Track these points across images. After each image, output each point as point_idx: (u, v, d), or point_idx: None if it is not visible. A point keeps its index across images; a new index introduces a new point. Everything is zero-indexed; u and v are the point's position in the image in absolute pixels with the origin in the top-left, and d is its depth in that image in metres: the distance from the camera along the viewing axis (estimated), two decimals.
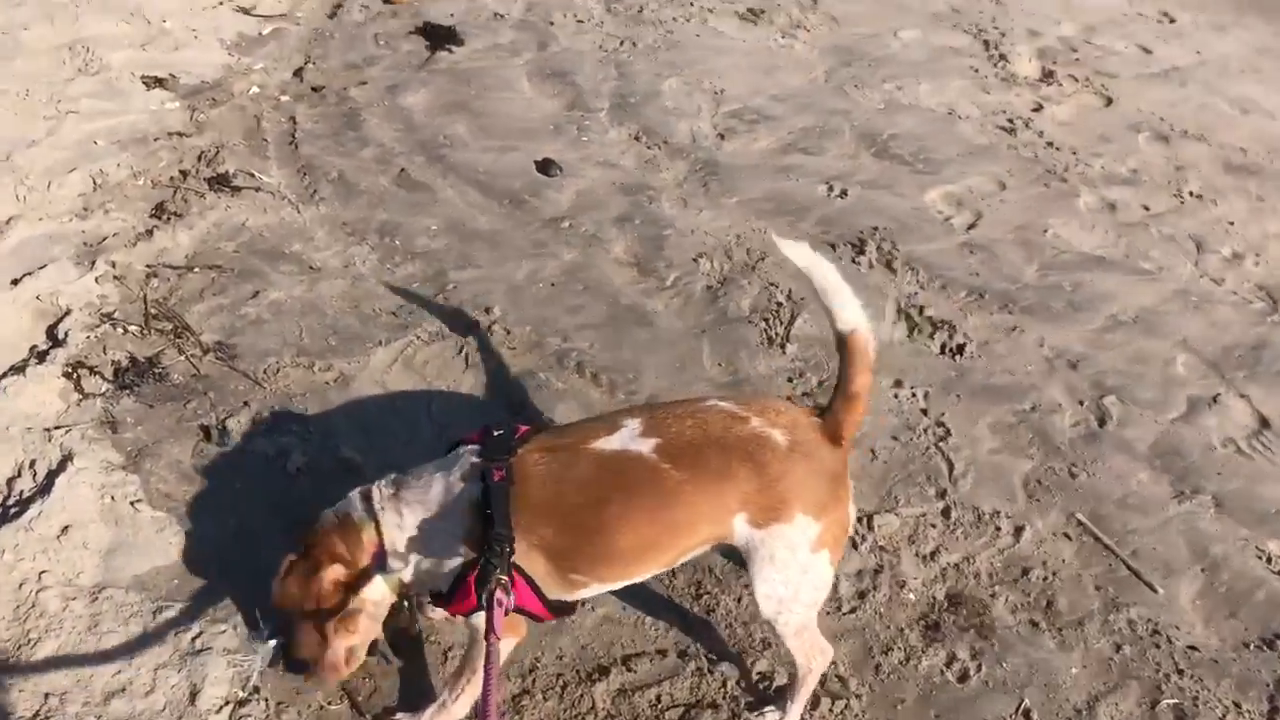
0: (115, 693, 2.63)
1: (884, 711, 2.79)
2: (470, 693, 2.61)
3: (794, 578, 2.50)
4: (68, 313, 3.69)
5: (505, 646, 2.60)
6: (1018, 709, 2.84)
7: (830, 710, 2.75)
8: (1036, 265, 4.62)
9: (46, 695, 2.59)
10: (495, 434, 2.54)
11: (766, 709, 2.76)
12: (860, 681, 2.86)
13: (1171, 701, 2.89)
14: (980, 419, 3.74)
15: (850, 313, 2.49)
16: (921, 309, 4.25)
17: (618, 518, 2.43)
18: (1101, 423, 3.80)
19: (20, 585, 2.82)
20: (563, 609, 2.58)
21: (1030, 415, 3.80)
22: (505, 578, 2.31)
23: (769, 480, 2.44)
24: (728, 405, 2.53)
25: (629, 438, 2.46)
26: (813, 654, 2.64)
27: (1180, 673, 2.97)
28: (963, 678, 2.91)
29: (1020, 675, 2.92)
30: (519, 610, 2.47)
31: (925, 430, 3.67)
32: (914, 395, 3.82)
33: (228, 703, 2.64)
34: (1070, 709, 2.85)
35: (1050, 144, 5.57)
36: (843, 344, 2.50)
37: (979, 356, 4.04)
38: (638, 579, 2.60)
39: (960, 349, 4.07)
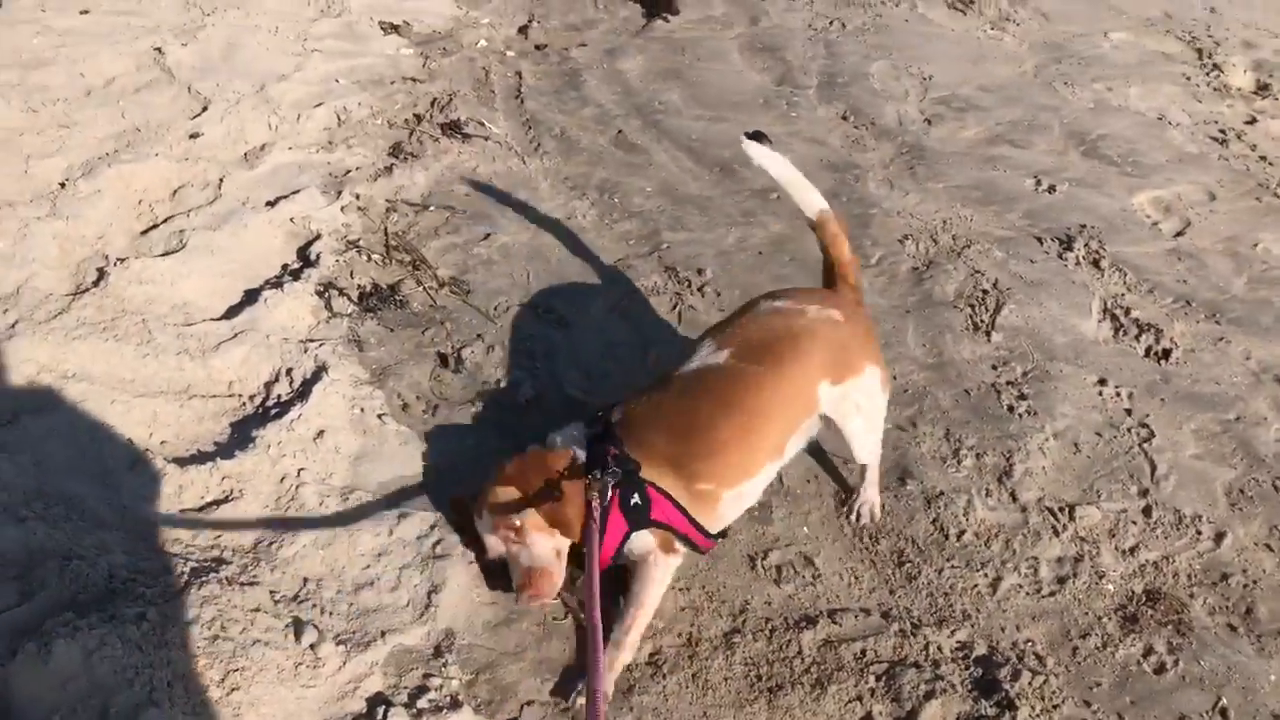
0: (364, 585, 2.88)
1: (1080, 691, 2.86)
2: (640, 624, 2.80)
3: (875, 417, 3.13)
4: (318, 237, 3.99)
5: (665, 570, 2.87)
6: (1214, 707, 2.87)
7: (1029, 684, 2.83)
8: (1245, 278, 4.56)
9: (305, 579, 2.85)
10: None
11: (854, 500, 3.27)
12: (1058, 660, 2.94)
13: None
14: (1184, 424, 3.75)
15: (815, 198, 3.21)
16: (1128, 310, 4.25)
17: (713, 414, 2.82)
18: None
19: (282, 479, 3.09)
20: (708, 533, 2.87)
21: (1234, 425, 3.78)
22: (607, 479, 2.69)
23: (837, 348, 2.96)
24: (782, 303, 3.04)
25: (706, 356, 2.93)
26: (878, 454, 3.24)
27: None
28: (1159, 670, 2.95)
29: (1218, 675, 2.95)
30: (664, 528, 2.79)
31: (1128, 430, 3.69)
32: (1118, 395, 3.83)
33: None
34: (1268, 714, 2.87)
35: (1263, 158, 5.46)
36: (817, 227, 3.22)
37: (1184, 363, 4.03)
38: (760, 478, 2.94)
39: (1166, 354, 4.06)
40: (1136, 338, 4.13)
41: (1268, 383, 3.99)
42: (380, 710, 2.55)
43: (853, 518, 3.27)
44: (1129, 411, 3.78)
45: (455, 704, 2.60)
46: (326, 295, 3.74)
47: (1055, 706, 2.79)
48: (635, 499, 2.76)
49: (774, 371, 2.88)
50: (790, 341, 2.93)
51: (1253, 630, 3.09)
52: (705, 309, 3.96)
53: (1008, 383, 3.81)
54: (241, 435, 3.19)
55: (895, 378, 3.76)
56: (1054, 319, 4.14)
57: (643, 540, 2.82)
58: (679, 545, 2.87)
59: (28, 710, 2.30)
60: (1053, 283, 4.33)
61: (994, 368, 3.88)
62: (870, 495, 3.29)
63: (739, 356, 2.90)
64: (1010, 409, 3.71)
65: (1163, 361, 4.03)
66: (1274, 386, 3.97)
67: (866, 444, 3.15)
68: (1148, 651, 2.99)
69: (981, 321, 4.08)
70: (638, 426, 2.85)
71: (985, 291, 4.22)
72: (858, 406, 3.04)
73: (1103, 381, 3.89)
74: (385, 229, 4.08)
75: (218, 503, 2.99)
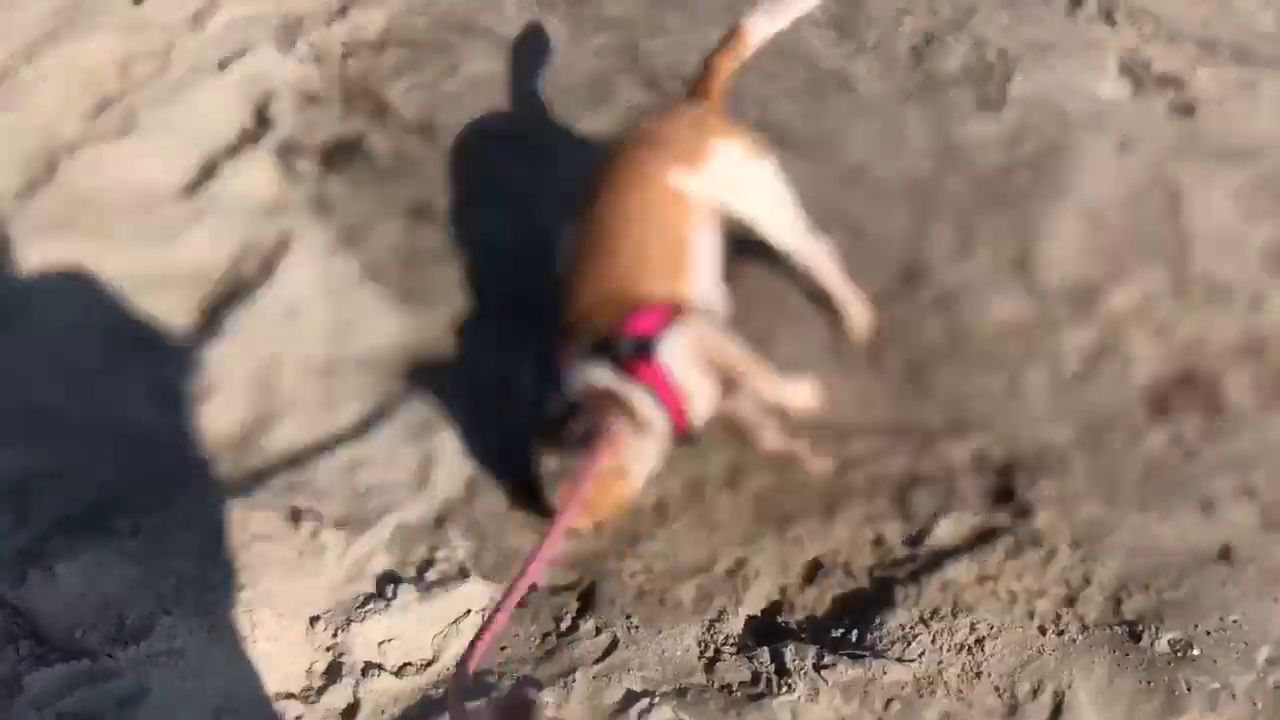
0: (359, 464, 2.80)
1: (1103, 487, 2.75)
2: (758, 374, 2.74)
3: (766, 184, 2.95)
4: (274, 95, 3.74)
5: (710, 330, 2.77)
6: (1242, 487, 2.74)
7: (1049, 487, 2.72)
8: (1274, 12, 4.16)
9: (296, 465, 2.78)
10: None
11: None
12: (1080, 459, 2.81)
13: None
14: (1214, 184, 3.47)
15: None
16: (1147, 64, 3.91)
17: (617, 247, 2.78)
18: None
19: (260, 364, 2.98)
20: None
21: (1271, 179, 3.51)
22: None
23: (667, 140, 2.86)
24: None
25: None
26: (818, 244, 3.04)
27: None
28: (1187, 456, 2.82)
29: (1248, 455, 2.80)
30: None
31: (1154, 198, 3.44)
32: (1141, 160, 3.56)
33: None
34: None
35: None
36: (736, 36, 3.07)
37: (1212, 117, 3.72)
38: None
39: (1191, 108, 3.75)
40: (1159, 93, 3.82)
41: None
42: (390, 587, 2.51)
43: (847, 329, 3.11)
44: (1154, 177, 3.51)
45: (463, 573, 2.56)
46: (287, 158, 3.53)
47: (1076, 507, 2.69)
48: (629, 344, 2.63)
49: (624, 194, 2.82)
50: (622, 159, 2.89)
51: None
52: None
53: (1022, 162, 3.55)
54: (213, 322, 3.07)
55: (900, 171, 3.51)
56: (1068, 84, 3.82)
57: (674, 346, 2.67)
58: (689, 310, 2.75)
59: (52, 626, 2.33)
60: (1064, 43, 3.97)
61: (1006, 146, 3.61)
62: (852, 306, 3.11)
63: (595, 199, 2.87)
64: (1025, 190, 3.46)
65: (1188, 118, 3.73)
66: None
67: (774, 217, 2.96)
68: (1175, 439, 2.85)
69: (990, 97, 3.78)
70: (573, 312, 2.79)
71: (992, 63, 3.89)
72: (732, 185, 2.89)
73: (1124, 147, 3.61)
74: (344, 76, 3.82)
75: (198, 396, 2.89)
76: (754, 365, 2.71)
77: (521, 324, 3.12)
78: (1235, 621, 2.46)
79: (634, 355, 2.62)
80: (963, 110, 3.73)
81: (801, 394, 2.82)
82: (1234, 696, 2.33)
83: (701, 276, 2.83)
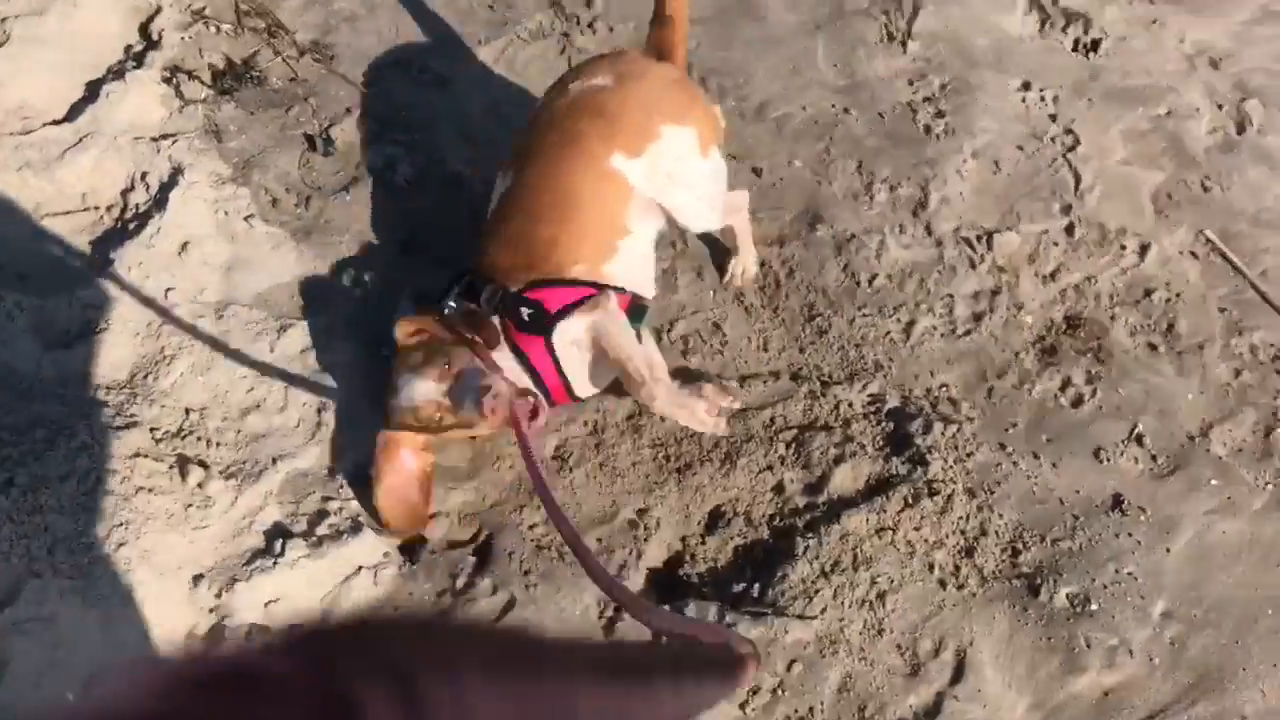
0: (251, 409, 2.75)
1: (995, 434, 2.83)
2: (639, 369, 2.57)
3: (700, 185, 2.74)
4: (159, 10, 3.56)
5: (609, 317, 2.60)
6: (1130, 434, 2.85)
7: (942, 434, 2.79)
8: None
9: (187, 410, 2.71)
10: None
11: (731, 264, 3.07)
12: (972, 405, 2.88)
13: None
14: (1112, 125, 3.53)
15: None
16: None
17: (536, 216, 2.65)
18: (1240, 129, 3.57)
19: (150, 301, 2.89)
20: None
21: (1165, 121, 3.56)
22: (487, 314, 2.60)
23: (615, 115, 2.64)
24: (573, 84, 2.76)
25: (504, 175, 2.77)
26: (735, 205, 2.97)
27: None
28: (1077, 402, 2.91)
29: (1135, 401, 2.91)
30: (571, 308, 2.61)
31: (1053, 139, 3.47)
32: (1043, 99, 3.59)
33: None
34: (1183, 435, 2.85)
35: None
36: None
37: (1115, 54, 3.75)
38: (619, 262, 2.68)
39: (1095, 45, 3.77)
40: (1064, 29, 3.82)
41: (1201, 67, 3.74)
42: (279, 543, 2.49)
43: (727, 280, 3.08)
44: (1053, 117, 3.54)
45: (356, 527, 2.56)
46: (175, 80, 3.38)
47: (969, 455, 2.76)
48: (525, 311, 2.56)
49: (565, 163, 2.66)
50: (558, 129, 2.69)
51: (1173, 348, 3.03)
52: (598, 49, 3.61)
53: (925, 99, 3.55)
54: (101, 257, 2.96)
55: (805, 108, 3.49)
56: (976, 18, 3.81)
57: (569, 329, 2.57)
58: (605, 297, 2.60)
59: None
60: None
61: (910, 83, 3.60)
62: (745, 258, 3.07)
63: (536, 157, 2.70)
64: (927, 129, 3.47)
65: (1091, 54, 3.75)
66: (1208, 71, 3.73)
67: (696, 215, 2.79)
68: (1065, 384, 2.94)
69: (897, 30, 3.75)
70: (486, 263, 2.66)
71: None
72: (669, 176, 2.68)
73: (1026, 86, 3.63)
74: None
75: (83, 335, 2.80)
76: (649, 379, 2.55)
77: (420, 261, 3.06)
78: (1130, 574, 2.58)
79: (526, 324, 2.54)
80: (870, 43, 3.71)
81: (697, 417, 2.68)
82: (1131, 653, 2.46)
83: (630, 261, 2.70)
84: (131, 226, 3.03)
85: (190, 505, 2.50)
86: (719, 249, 3.14)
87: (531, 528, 2.59)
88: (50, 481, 2.42)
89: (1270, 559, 2.65)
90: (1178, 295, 3.14)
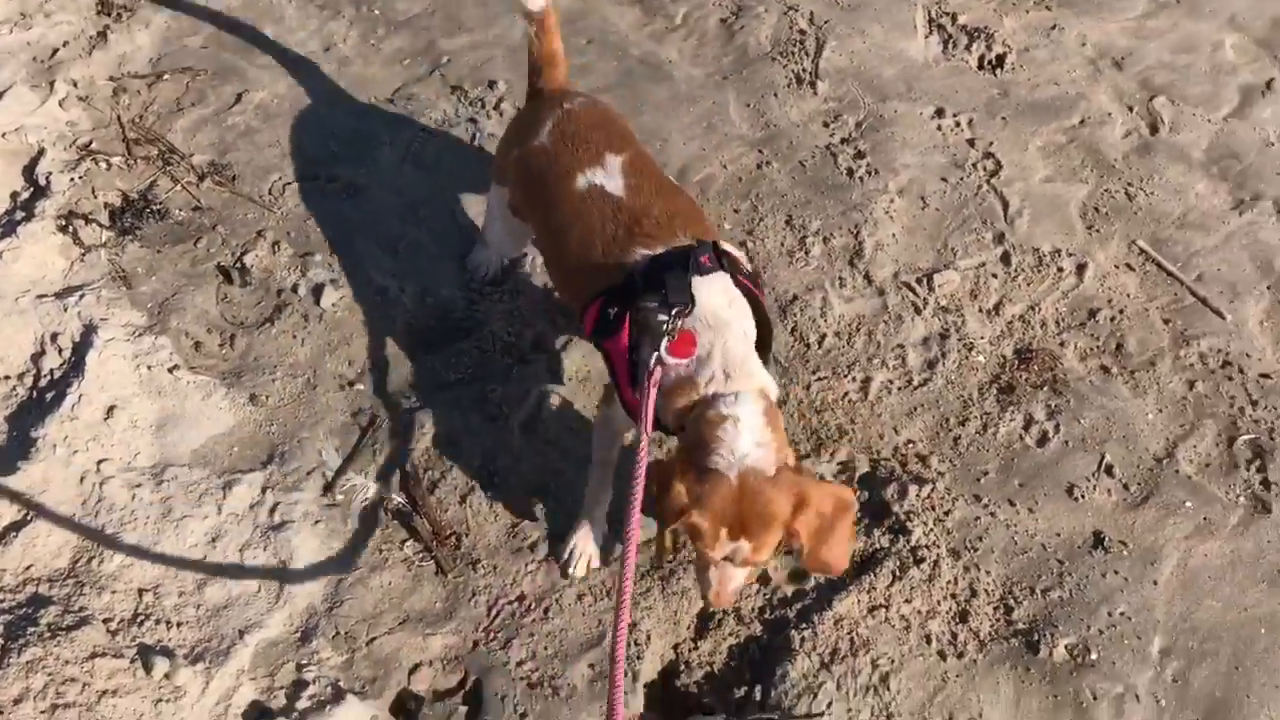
0: (207, 579, 2.61)
1: (968, 487, 2.81)
2: None
3: None
4: (41, 151, 3.38)
5: None
6: (1100, 466, 2.85)
7: (918, 496, 2.75)
8: None
9: (140, 591, 2.57)
10: None
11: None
12: (941, 458, 2.85)
13: (1248, 437, 2.90)
14: (1030, 142, 3.54)
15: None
16: (954, 16, 3.91)
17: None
18: (1154, 130, 3.60)
19: (82, 479, 2.73)
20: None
21: (1080, 131, 3.58)
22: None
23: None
24: (581, 99, 2.79)
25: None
26: None
27: (1255, 404, 2.97)
28: (1042, 440, 2.90)
29: (1099, 430, 2.91)
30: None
31: (974, 165, 3.47)
32: (957, 124, 3.58)
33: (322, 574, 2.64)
34: (1150, 459, 2.86)
35: None
36: (536, 21, 2.86)
37: (1020, 67, 3.77)
38: None
39: (1000, 60, 3.78)
40: (968, 47, 3.83)
41: (1106, 69, 3.77)
42: None
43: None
44: (971, 142, 3.54)
45: (338, 694, 2.44)
46: (71, 227, 3.20)
47: (947, 513, 2.74)
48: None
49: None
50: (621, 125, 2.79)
51: (1125, 367, 3.04)
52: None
53: (842, 140, 3.52)
54: (21, 435, 2.80)
55: (726, 165, 3.44)
56: (879, 47, 3.79)
57: None
58: None
59: None
60: (872, 3, 3.93)
61: (825, 125, 3.57)
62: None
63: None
64: (850, 172, 3.44)
65: (998, 70, 3.76)
66: (1113, 73, 3.76)
67: None
68: (1028, 423, 2.93)
69: (804, 71, 3.71)
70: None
71: (803, 31, 3.82)
72: None
73: (940, 113, 3.62)
74: (119, 118, 3.47)
75: (15, 527, 2.63)
76: None
77: (360, 393, 2.94)
78: (1123, 614, 2.58)
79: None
80: (780, 88, 3.67)
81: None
82: (1138, 698, 2.45)
83: None
84: (49, 397, 2.86)
85: (160, 700, 2.36)
86: None
87: (520, 665, 2.50)
88: (4, 705, 2.27)
89: (1254, 575, 2.66)
90: (1121, 312, 3.15)
